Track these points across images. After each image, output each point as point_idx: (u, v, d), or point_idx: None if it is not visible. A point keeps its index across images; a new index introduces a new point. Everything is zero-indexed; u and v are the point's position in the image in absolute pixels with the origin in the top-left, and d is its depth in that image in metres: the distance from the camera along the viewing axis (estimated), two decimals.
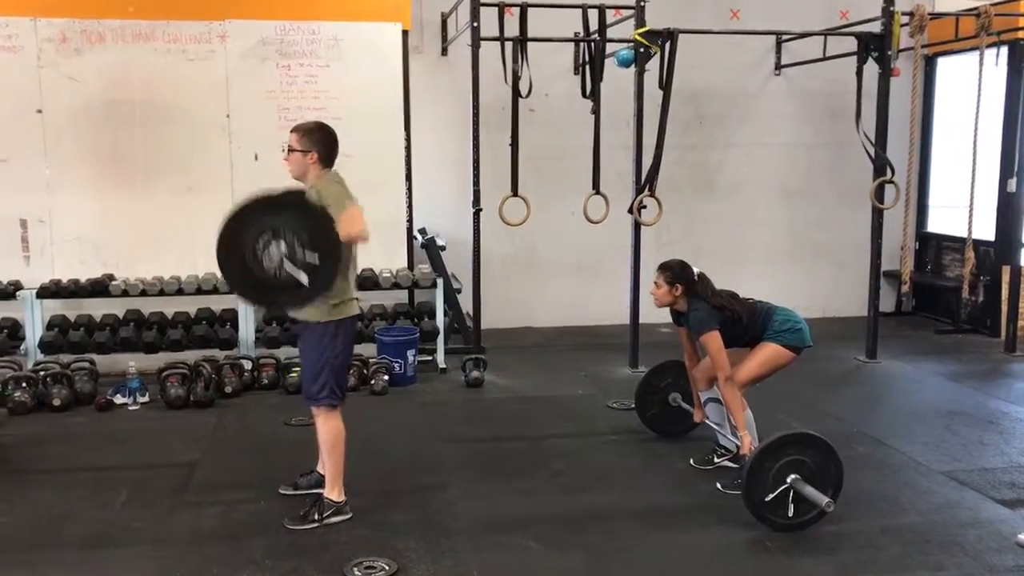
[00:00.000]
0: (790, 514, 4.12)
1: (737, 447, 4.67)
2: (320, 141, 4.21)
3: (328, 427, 4.27)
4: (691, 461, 5.04)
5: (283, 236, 3.74)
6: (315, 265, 3.76)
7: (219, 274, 4.12)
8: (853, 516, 4.35)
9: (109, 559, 3.94)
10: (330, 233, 3.82)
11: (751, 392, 4.83)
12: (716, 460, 5.00)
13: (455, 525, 4.26)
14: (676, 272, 4.74)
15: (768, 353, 4.71)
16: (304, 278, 3.75)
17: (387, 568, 3.79)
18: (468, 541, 4.08)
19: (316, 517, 4.21)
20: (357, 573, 3.76)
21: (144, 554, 3.97)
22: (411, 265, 7.27)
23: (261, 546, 4.02)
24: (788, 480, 4.09)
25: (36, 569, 3.86)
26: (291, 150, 4.22)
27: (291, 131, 4.26)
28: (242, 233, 3.75)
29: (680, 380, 5.31)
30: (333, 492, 4.28)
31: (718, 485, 4.61)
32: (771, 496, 4.09)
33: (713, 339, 4.60)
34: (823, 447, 4.17)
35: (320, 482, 4.41)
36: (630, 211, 6.92)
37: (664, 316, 8.40)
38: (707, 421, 5.06)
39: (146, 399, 6.14)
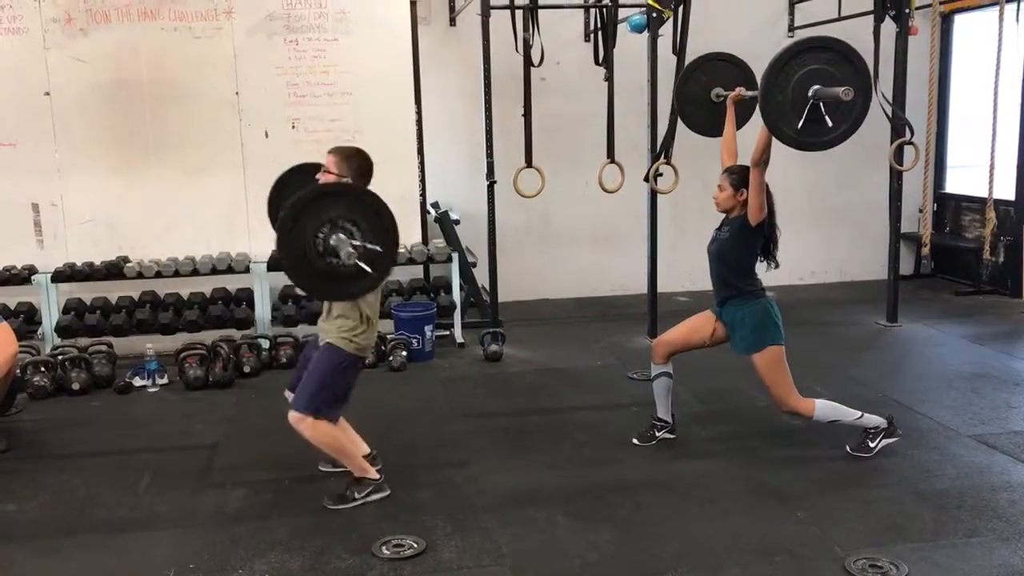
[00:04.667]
0: (830, 125, 4.00)
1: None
2: None
3: (318, 434, 4.10)
4: (633, 440, 4.88)
5: (343, 227, 3.77)
6: (377, 251, 3.79)
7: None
8: (883, 483, 4.31)
9: (136, 543, 3.93)
10: (387, 220, 3.84)
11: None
12: (658, 435, 4.86)
13: (481, 501, 4.24)
14: (744, 176, 4.42)
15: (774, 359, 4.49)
16: (367, 266, 3.79)
17: (416, 546, 3.77)
18: (495, 517, 4.05)
19: (356, 496, 4.19)
20: (386, 552, 3.73)
21: (171, 537, 3.95)
22: (425, 240, 7.21)
23: (288, 527, 4.00)
24: (810, 94, 3.97)
25: (63, 554, 3.85)
26: None
27: None
28: (302, 227, 3.74)
29: (715, 74, 5.34)
30: (367, 475, 4.25)
31: (848, 448, 4.58)
32: (801, 122, 3.98)
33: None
34: (828, 43, 4.03)
35: None
36: (646, 179, 6.82)
37: (681, 285, 8.53)
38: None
39: (165, 381, 6.13)
